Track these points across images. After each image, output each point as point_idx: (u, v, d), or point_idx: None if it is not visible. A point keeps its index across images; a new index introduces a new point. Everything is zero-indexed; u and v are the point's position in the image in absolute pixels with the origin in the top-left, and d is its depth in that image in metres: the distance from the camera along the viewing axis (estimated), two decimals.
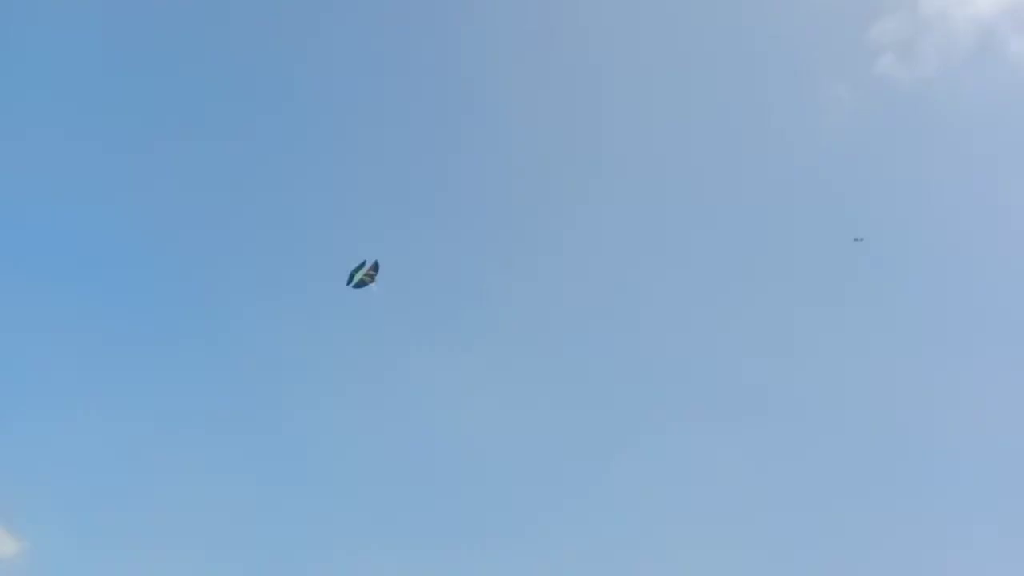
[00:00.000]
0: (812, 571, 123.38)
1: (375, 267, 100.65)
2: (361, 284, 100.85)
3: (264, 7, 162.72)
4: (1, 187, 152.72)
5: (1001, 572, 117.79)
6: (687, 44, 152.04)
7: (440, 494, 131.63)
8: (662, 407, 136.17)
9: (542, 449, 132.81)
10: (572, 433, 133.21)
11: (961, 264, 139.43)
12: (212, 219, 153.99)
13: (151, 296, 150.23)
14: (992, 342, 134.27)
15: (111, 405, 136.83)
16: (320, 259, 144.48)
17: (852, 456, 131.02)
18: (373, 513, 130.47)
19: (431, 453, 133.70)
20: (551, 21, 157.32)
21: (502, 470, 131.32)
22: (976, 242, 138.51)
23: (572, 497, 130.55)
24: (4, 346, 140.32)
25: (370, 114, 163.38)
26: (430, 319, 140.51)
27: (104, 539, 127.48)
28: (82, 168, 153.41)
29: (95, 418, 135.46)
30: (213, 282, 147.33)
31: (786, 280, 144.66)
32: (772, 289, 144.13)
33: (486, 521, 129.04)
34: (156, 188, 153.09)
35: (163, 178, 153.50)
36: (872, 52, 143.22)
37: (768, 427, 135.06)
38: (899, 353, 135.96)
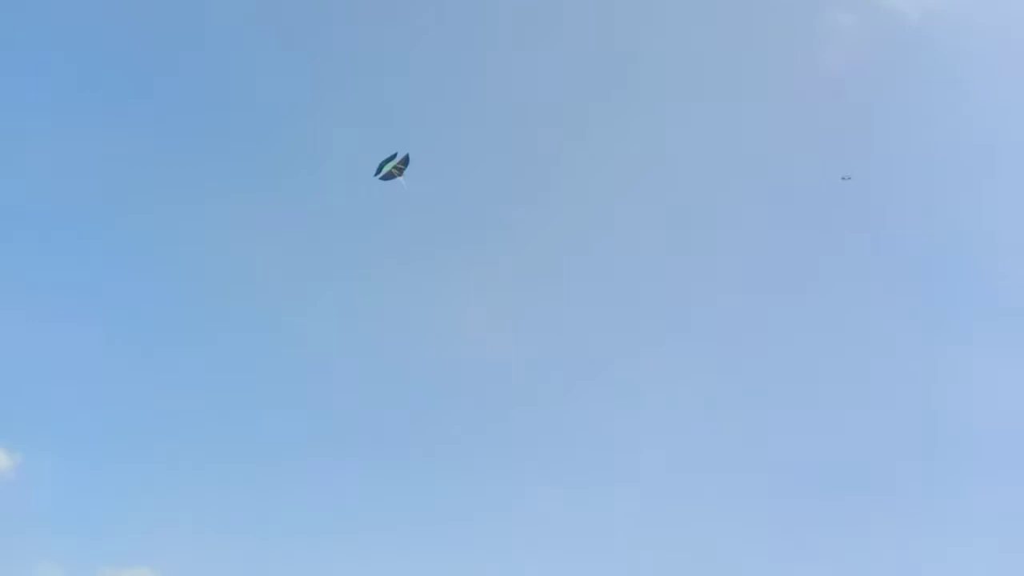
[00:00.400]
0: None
1: (405, 160, 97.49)
2: (389, 176, 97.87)
3: None
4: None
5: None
6: None
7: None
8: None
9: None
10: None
11: (960, 209, 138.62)
12: None
13: None
14: (992, 289, 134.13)
15: (105, 313, 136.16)
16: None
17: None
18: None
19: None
20: None
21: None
22: (975, 187, 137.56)
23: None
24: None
25: None
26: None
27: (100, 453, 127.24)
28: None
29: (91, 328, 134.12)
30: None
31: (780, 216, 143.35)
32: (766, 223, 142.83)
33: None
34: None
35: None
36: None
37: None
38: (893, 294, 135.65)
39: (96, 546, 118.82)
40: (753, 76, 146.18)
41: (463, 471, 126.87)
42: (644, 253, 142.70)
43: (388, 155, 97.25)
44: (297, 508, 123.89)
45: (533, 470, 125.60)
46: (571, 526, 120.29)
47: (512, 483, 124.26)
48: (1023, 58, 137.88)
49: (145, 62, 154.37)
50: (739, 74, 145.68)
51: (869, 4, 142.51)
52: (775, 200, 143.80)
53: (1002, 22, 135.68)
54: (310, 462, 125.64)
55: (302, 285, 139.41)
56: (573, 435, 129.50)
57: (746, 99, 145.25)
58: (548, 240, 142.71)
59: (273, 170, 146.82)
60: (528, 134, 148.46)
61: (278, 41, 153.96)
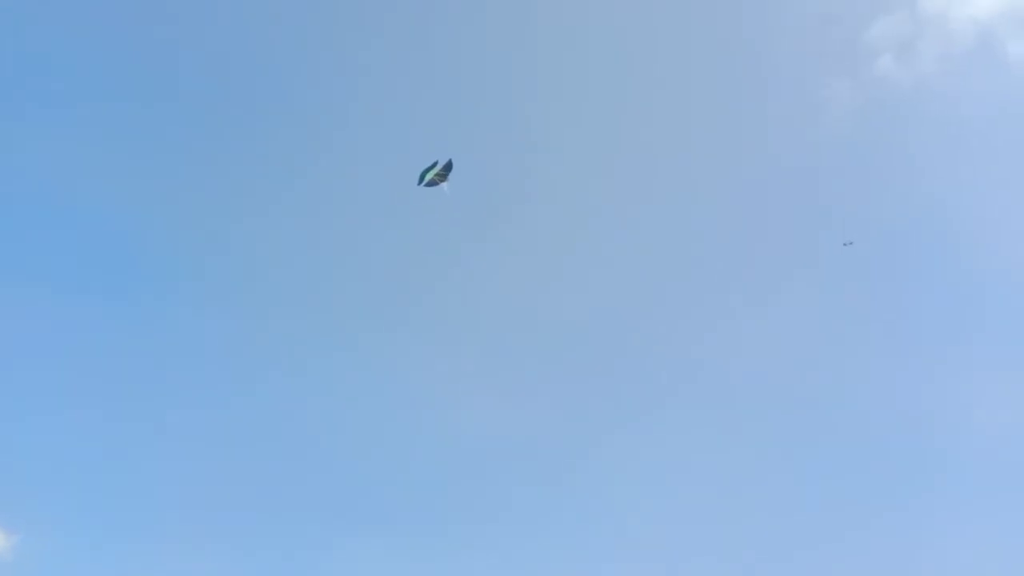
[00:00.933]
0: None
1: (448, 167, 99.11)
2: (432, 184, 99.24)
3: None
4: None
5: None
6: (689, 42, 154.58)
7: None
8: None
9: None
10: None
11: (957, 265, 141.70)
12: None
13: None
14: (989, 342, 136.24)
15: (101, 390, 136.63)
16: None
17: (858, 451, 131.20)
18: None
19: None
20: None
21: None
22: (972, 242, 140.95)
23: None
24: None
25: None
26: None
27: (98, 534, 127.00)
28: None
29: (89, 408, 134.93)
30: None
31: (780, 279, 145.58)
32: (766, 287, 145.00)
33: None
34: None
35: None
36: (872, 52, 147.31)
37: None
38: (892, 353, 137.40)
39: None
40: (752, 146, 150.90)
41: (464, 547, 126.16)
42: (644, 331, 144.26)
43: (429, 164, 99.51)
44: None
45: (535, 546, 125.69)
46: None
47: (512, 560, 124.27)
48: (1013, 123, 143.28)
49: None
50: (737, 142, 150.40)
51: (864, 74, 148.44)
52: (776, 266, 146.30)
53: (987, 87, 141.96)
54: (312, 537, 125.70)
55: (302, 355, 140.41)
56: (577, 511, 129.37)
57: (746, 167, 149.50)
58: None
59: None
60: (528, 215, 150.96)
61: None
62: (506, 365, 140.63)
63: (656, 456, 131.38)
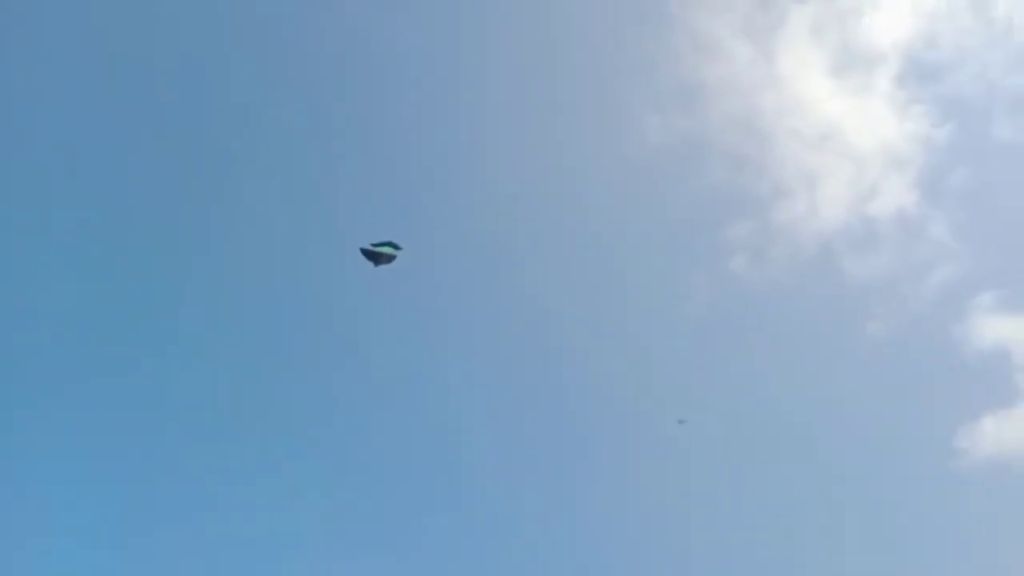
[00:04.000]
0: None
1: (396, 246, 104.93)
2: (376, 256, 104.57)
3: None
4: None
5: None
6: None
7: None
8: None
9: None
10: None
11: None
12: None
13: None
14: None
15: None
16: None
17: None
18: None
19: None
20: None
21: None
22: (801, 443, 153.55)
23: None
24: None
25: None
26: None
27: None
28: None
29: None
30: None
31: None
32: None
33: None
34: None
35: None
36: (729, 251, 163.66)
37: None
38: None
39: None
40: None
41: None
42: None
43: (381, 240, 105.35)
44: None
45: None
46: None
47: None
48: (841, 329, 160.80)
49: None
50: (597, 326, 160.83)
51: (721, 269, 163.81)
52: None
53: (826, 295, 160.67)
54: None
55: None
56: None
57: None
58: None
59: None
60: None
61: None
62: None
63: None
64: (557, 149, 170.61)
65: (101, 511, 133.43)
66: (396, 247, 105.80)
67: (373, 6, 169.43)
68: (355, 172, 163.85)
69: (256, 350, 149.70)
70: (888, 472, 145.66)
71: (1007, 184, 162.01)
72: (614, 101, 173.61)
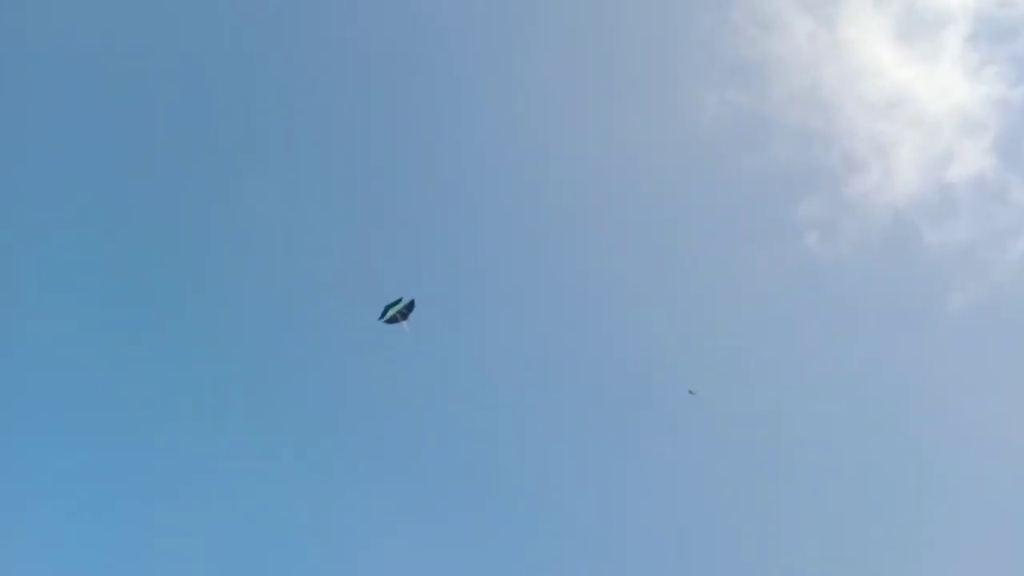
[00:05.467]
0: None
1: (410, 306, 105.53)
2: (393, 320, 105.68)
3: None
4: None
5: None
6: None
7: None
8: None
9: None
10: None
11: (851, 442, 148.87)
12: None
13: None
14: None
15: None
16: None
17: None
18: None
19: None
20: None
21: None
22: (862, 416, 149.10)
23: None
24: None
25: None
26: None
27: None
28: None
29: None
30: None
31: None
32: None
33: None
34: None
35: None
36: (799, 228, 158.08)
37: None
38: None
39: None
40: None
41: None
42: None
43: (393, 299, 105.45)
44: None
45: None
46: None
47: None
48: (917, 302, 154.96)
49: None
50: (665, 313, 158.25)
51: (791, 247, 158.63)
52: None
53: (900, 271, 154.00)
54: None
55: None
56: None
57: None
58: None
59: None
60: None
61: None
62: None
63: None
64: (618, 129, 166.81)
65: (102, 511, 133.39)
66: (408, 307, 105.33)
67: None
68: (398, 153, 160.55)
69: (266, 346, 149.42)
70: (976, 454, 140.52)
71: None
72: (673, 78, 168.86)
